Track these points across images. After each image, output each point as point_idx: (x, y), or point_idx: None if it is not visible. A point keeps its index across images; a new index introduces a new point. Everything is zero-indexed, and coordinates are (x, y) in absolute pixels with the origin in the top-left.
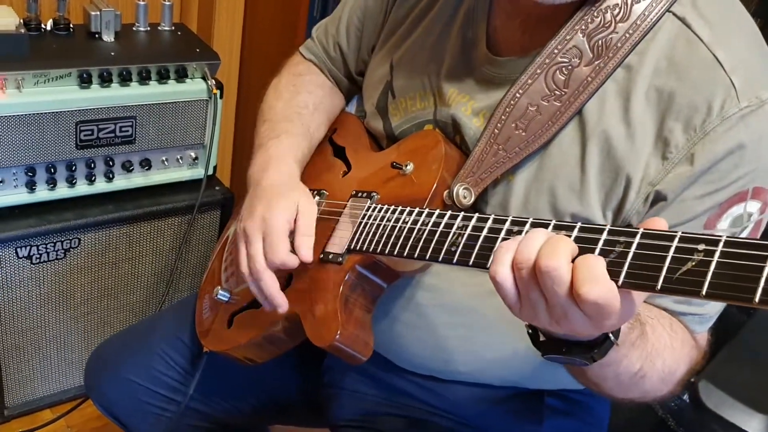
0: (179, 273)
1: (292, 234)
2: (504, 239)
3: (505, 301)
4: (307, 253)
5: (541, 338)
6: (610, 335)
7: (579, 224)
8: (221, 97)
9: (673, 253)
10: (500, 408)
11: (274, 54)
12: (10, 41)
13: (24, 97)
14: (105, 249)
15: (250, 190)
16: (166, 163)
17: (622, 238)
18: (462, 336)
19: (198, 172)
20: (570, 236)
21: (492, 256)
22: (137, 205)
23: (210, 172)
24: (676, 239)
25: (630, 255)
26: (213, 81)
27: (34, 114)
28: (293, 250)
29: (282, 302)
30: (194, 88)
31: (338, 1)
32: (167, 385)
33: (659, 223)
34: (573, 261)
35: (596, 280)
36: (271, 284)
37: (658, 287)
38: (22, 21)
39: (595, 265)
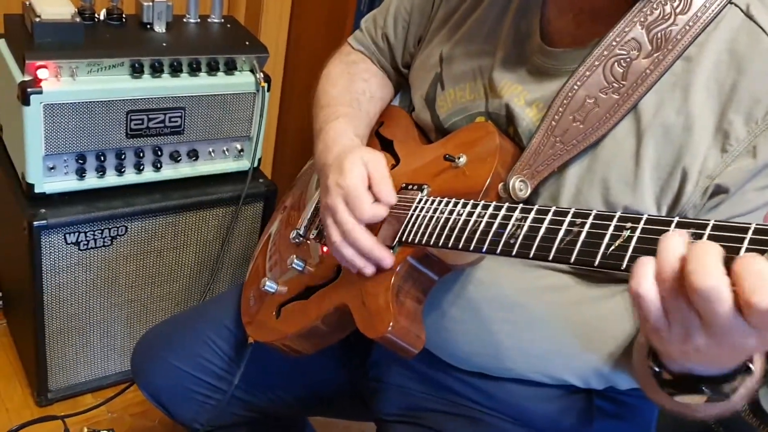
0: (221, 263)
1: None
2: (567, 231)
3: (647, 320)
4: (389, 197)
5: (665, 376)
6: (750, 364)
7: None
8: (268, 90)
9: None
10: (548, 407)
11: (320, 48)
12: (66, 30)
13: (77, 85)
14: (151, 237)
15: (320, 175)
16: (212, 154)
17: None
18: (510, 331)
19: (243, 164)
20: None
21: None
22: (183, 195)
23: (255, 164)
24: None
25: None
26: (261, 74)
27: (86, 102)
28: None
29: (386, 255)
30: (242, 80)
31: None
32: (213, 373)
33: None
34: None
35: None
36: (368, 239)
37: None
38: (77, 10)
39: (762, 268)
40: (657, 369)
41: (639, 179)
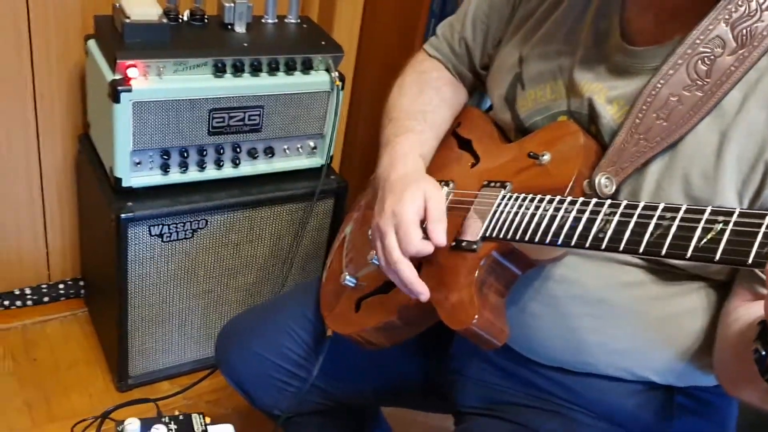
0: (293, 257)
1: (423, 223)
2: (657, 224)
3: None
4: (440, 238)
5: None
6: None
7: None
8: (342, 88)
9: None
10: (629, 402)
11: (391, 49)
12: (154, 30)
13: (164, 84)
14: (228, 231)
15: (379, 189)
16: (287, 151)
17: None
18: (592, 326)
19: (315, 161)
20: None
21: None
22: (260, 191)
23: (327, 161)
24: None
25: None
26: (336, 73)
27: (172, 100)
28: (426, 238)
29: (423, 289)
30: (318, 79)
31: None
32: (293, 361)
33: None
34: None
35: None
36: (409, 273)
37: None
38: (163, 11)
39: None
40: (764, 352)
41: (720, 173)
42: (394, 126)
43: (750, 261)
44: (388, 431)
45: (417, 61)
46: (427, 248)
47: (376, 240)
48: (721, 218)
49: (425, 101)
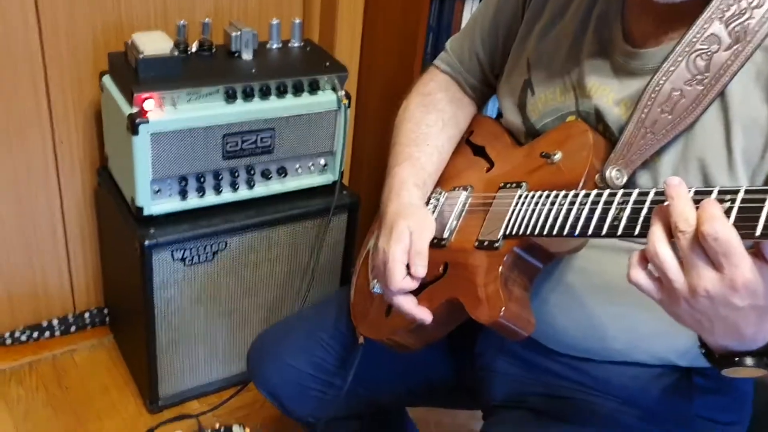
0: (312, 272)
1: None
2: None
3: (666, 275)
4: (419, 271)
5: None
6: None
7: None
8: (349, 106)
9: None
10: (651, 386)
11: (392, 65)
12: (166, 63)
13: (179, 114)
14: (248, 251)
15: (381, 220)
16: (299, 170)
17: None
18: (616, 313)
19: (327, 178)
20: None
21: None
22: (275, 210)
23: (338, 177)
24: None
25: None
26: (343, 92)
27: (187, 129)
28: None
29: (423, 316)
30: (325, 99)
31: (453, 15)
32: (326, 370)
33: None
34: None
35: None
36: (404, 304)
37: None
38: (173, 44)
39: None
40: (704, 350)
41: (732, 164)
42: (396, 153)
43: (758, 233)
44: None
45: (422, 83)
46: (408, 285)
47: (374, 276)
48: (728, 197)
49: (429, 122)
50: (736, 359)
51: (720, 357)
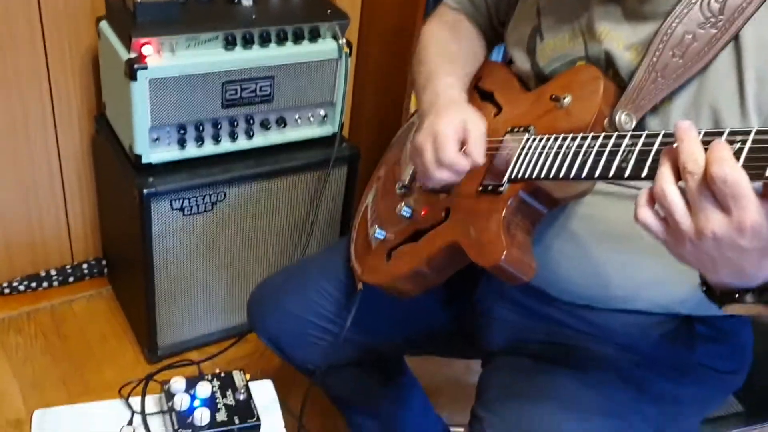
0: (311, 225)
1: (462, 146)
2: None
3: (672, 215)
4: (479, 157)
5: (718, 292)
6: None
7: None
8: (350, 55)
9: None
10: (653, 333)
11: (393, 14)
12: (165, 8)
13: (178, 60)
14: (247, 202)
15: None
16: (299, 121)
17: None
18: (618, 261)
19: (327, 130)
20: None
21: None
22: (275, 161)
23: (338, 129)
24: None
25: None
26: (344, 40)
27: (186, 75)
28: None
29: (476, 157)
30: (326, 48)
31: None
32: (325, 317)
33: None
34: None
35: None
36: (449, 174)
37: None
38: None
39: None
40: (704, 288)
41: (745, 110)
42: (430, 69)
43: None
44: (413, 381)
45: (440, 14)
46: (461, 162)
47: (415, 157)
48: (739, 137)
49: (457, 50)
50: (737, 296)
51: (721, 294)
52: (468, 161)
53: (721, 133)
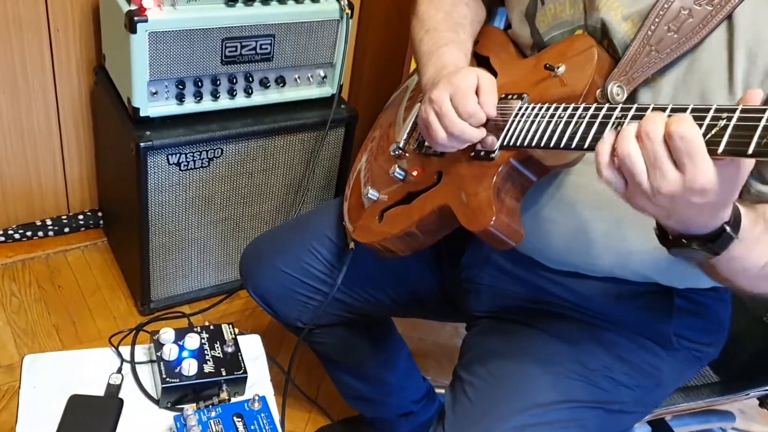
0: (306, 185)
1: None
2: None
3: (632, 174)
4: (491, 108)
5: (670, 236)
6: (727, 227)
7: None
8: (351, 16)
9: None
10: (632, 304)
11: None
12: None
13: (178, 14)
14: (243, 160)
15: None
16: (298, 81)
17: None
18: (604, 230)
19: (326, 91)
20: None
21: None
22: (273, 120)
23: (337, 90)
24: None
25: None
26: (346, 1)
27: (186, 30)
28: None
29: (489, 108)
30: (327, 8)
31: None
32: (315, 277)
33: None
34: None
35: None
36: (469, 130)
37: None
38: None
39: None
40: (658, 232)
41: (733, 89)
42: (434, 37)
43: (750, 151)
44: (400, 343)
45: None
46: (479, 114)
47: (429, 111)
48: (725, 114)
49: (460, 15)
50: (684, 241)
51: (672, 238)
52: (483, 114)
53: (708, 110)
